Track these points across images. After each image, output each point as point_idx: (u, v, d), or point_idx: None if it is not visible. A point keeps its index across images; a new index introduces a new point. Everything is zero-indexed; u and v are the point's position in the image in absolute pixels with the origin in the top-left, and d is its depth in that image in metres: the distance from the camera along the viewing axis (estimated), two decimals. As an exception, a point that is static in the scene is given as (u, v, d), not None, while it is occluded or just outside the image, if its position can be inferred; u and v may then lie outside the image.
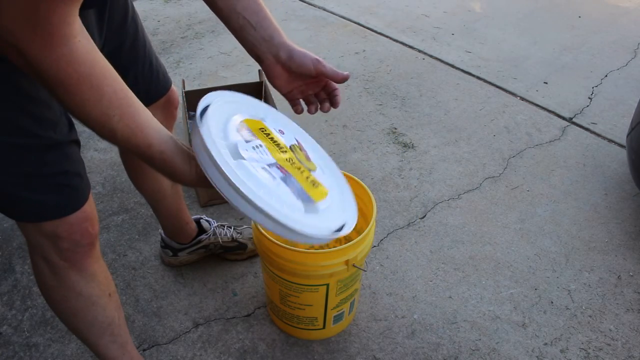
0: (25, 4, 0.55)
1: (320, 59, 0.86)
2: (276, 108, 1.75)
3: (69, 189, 0.85)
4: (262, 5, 0.87)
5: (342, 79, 0.86)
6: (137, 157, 0.71)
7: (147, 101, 1.05)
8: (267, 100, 1.92)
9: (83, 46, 0.61)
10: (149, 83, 1.10)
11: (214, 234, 1.49)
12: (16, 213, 0.85)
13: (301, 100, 0.93)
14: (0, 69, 0.71)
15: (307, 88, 0.91)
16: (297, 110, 0.93)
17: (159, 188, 1.29)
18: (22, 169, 0.79)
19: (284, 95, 0.92)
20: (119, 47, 1.00)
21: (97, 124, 0.65)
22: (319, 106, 0.92)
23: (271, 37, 0.86)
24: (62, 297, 0.96)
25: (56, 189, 0.83)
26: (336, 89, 0.90)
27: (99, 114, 0.64)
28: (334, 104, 0.91)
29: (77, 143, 0.88)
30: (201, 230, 1.48)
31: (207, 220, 1.50)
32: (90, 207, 0.90)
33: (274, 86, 0.91)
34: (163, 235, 1.47)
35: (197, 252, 1.50)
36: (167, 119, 1.19)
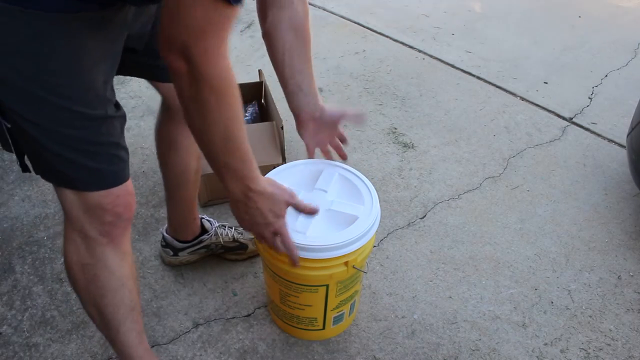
0: (205, 21, 0.68)
1: (345, 110, 1.16)
2: (276, 108, 1.76)
3: (119, 160, 0.89)
4: (312, 76, 1.13)
5: (362, 120, 1.19)
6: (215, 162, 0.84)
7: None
8: (267, 100, 1.92)
9: (229, 62, 0.75)
10: None
11: (216, 234, 1.49)
12: (70, 181, 0.88)
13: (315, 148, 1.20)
14: (72, 47, 0.78)
15: (326, 139, 1.20)
16: (311, 155, 1.21)
17: (184, 171, 1.31)
18: (82, 136, 0.84)
19: (307, 144, 1.18)
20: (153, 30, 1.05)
21: (221, 123, 0.78)
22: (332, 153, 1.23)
23: (315, 102, 1.14)
24: (94, 275, 0.96)
25: (109, 158, 0.88)
26: (344, 140, 1.22)
27: (229, 119, 0.78)
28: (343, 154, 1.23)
29: (124, 119, 0.92)
30: (203, 230, 1.48)
31: (208, 220, 1.50)
32: (131, 183, 0.94)
33: (301, 136, 1.17)
34: (165, 234, 1.47)
35: (198, 252, 1.50)
36: None
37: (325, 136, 1.19)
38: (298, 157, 1.24)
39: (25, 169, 0.89)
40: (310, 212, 0.99)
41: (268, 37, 1.09)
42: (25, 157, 0.87)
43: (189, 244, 1.47)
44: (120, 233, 0.95)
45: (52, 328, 1.37)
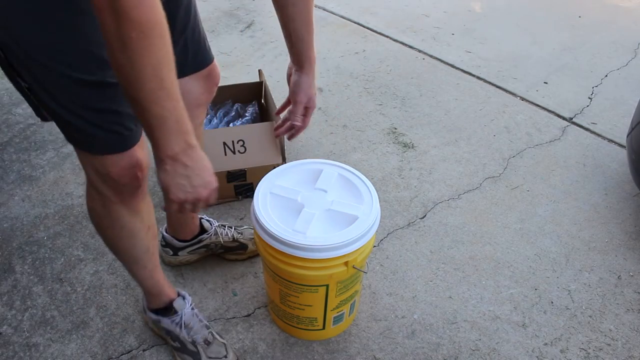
0: None
1: (310, 97, 1.25)
2: (275, 107, 1.76)
3: (119, 127, 0.90)
4: (310, 28, 1.16)
5: (299, 124, 1.30)
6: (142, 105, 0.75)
7: (193, 68, 1.20)
8: (267, 100, 1.92)
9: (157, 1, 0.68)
10: (197, 50, 1.18)
11: (215, 233, 1.49)
12: (76, 142, 0.93)
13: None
14: (71, 15, 0.78)
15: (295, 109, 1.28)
16: (278, 133, 1.36)
17: None
18: (81, 101, 0.85)
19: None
20: (175, 11, 1.07)
21: (150, 68, 0.70)
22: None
23: (298, 55, 1.20)
24: (108, 225, 1.06)
25: (107, 125, 0.89)
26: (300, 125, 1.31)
27: (155, 62, 0.70)
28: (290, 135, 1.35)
29: None
30: (202, 229, 1.48)
31: (208, 220, 1.50)
32: (141, 152, 0.95)
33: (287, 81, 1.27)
34: (164, 233, 1.48)
35: (197, 252, 1.50)
36: (206, 93, 1.26)
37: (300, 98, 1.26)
38: (298, 157, 1.24)
39: (45, 118, 0.92)
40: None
41: None
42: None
43: (188, 243, 1.47)
44: (129, 196, 1.00)
45: (52, 328, 1.37)
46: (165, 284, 1.25)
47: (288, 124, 1.33)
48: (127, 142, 0.93)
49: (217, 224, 1.50)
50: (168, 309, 1.25)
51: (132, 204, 1.03)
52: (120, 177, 0.95)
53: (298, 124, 1.29)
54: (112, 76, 0.86)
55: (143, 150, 0.96)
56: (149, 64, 0.70)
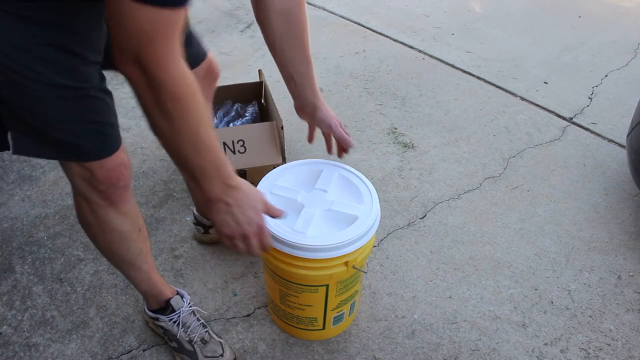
0: (151, 27, 0.68)
1: (336, 123, 1.18)
2: (276, 108, 1.76)
3: (103, 136, 0.92)
4: (310, 65, 1.12)
5: (347, 147, 1.20)
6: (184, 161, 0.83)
7: (190, 67, 1.17)
8: (267, 100, 1.92)
9: (185, 66, 0.74)
10: (191, 47, 1.17)
11: None
12: (59, 153, 0.93)
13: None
14: (48, 33, 0.79)
15: (325, 129, 1.23)
16: (311, 139, 1.28)
17: None
18: (63, 115, 0.86)
19: (308, 126, 1.26)
20: None
21: (187, 128, 0.78)
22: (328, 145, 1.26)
23: (305, 95, 1.15)
24: (100, 231, 1.07)
25: (91, 134, 0.90)
26: (345, 144, 1.22)
27: (192, 122, 0.78)
28: (343, 150, 1.23)
29: (108, 93, 0.93)
30: None
31: None
32: (123, 152, 0.97)
33: (301, 118, 1.23)
34: (195, 212, 1.54)
35: None
36: (207, 89, 1.26)
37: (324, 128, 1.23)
38: (298, 157, 1.24)
39: (3, 147, 0.93)
40: (276, 214, 0.97)
41: (260, 24, 1.09)
42: (9, 134, 0.90)
43: None
44: (118, 197, 1.01)
45: (52, 328, 1.37)
46: (163, 284, 1.26)
47: (337, 145, 1.27)
48: (113, 147, 0.94)
49: None
50: (166, 308, 1.26)
51: (120, 205, 1.03)
52: (107, 179, 0.96)
53: (353, 144, 1.23)
54: (92, 83, 0.87)
55: (124, 150, 0.98)
56: (186, 126, 0.77)
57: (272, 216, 0.97)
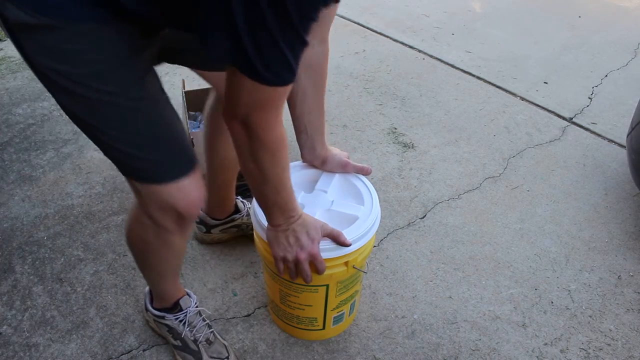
0: (263, 100, 0.76)
1: (347, 162, 1.20)
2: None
3: (170, 152, 0.91)
4: (323, 118, 1.16)
5: (366, 174, 1.22)
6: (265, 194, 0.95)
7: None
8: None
9: (282, 125, 0.84)
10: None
11: (247, 214, 1.54)
12: (130, 172, 0.92)
13: None
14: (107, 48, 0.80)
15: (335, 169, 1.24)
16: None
17: (229, 154, 1.35)
18: (151, 133, 0.87)
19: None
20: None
21: (274, 174, 0.89)
22: None
23: (314, 148, 1.18)
24: (155, 251, 1.07)
25: (158, 151, 0.90)
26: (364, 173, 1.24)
27: (279, 169, 0.89)
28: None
29: (166, 106, 0.93)
30: (236, 209, 1.53)
31: (242, 201, 1.55)
32: (198, 176, 0.95)
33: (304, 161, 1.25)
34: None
35: (229, 231, 1.55)
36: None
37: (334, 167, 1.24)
38: (298, 158, 1.23)
39: None
40: (340, 240, 1.04)
41: None
42: None
43: (221, 222, 1.52)
44: (189, 224, 1.01)
45: (52, 328, 1.37)
46: (178, 286, 1.27)
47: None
48: (184, 166, 0.92)
49: (249, 205, 1.54)
50: (174, 307, 1.26)
51: (188, 230, 1.04)
52: (188, 210, 0.94)
53: (370, 171, 1.25)
54: (151, 102, 0.87)
55: (201, 180, 0.97)
56: (274, 172, 0.88)
57: (339, 243, 1.05)
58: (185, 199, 0.93)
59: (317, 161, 1.20)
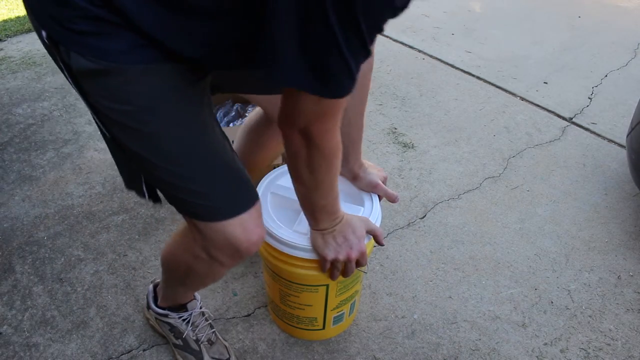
0: (323, 112, 0.77)
1: (380, 183, 1.16)
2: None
3: (228, 188, 0.90)
4: (361, 131, 1.18)
5: (393, 201, 1.17)
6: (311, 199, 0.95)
7: None
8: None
9: (339, 133, 0.84)
10: None
11: None
12: (190, 212, 0.90)
13: None
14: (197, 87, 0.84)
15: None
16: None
17: (265, 167, 1.38)
18: (210, 166, 0.86)
19: None
20: None
21: (327, 180, 0.90)
22: None
23: (347, 161, 1.15)
24: (200, 277, 1.05)
25: (235, 186, 0.90)
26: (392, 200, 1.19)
27: (332, 177, 0.90)
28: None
29: (222, 140, 0.93)
30: None
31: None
32: (258, 211, 0.94)
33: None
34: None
35: None
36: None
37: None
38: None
39: (156, 199, 0.94)
40: (380, 242, 1.07)
41: None
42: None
43: None
44: (244, 259, 0.97)
45: (52, 328, 1.37)
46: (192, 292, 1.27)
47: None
48: (244, 200, 0.90)
49: None
50: (180, 307, 1.25)
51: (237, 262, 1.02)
52: (249, 247, 0.92)
53: (398, 199, 1.21)
54: (208, 139, 0.86)
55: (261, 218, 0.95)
56: (327, 180, 0.90)
57: (377, 241, 1.07)
58: (248, 236, 0.90)
59: (348, 175, 1.17)
